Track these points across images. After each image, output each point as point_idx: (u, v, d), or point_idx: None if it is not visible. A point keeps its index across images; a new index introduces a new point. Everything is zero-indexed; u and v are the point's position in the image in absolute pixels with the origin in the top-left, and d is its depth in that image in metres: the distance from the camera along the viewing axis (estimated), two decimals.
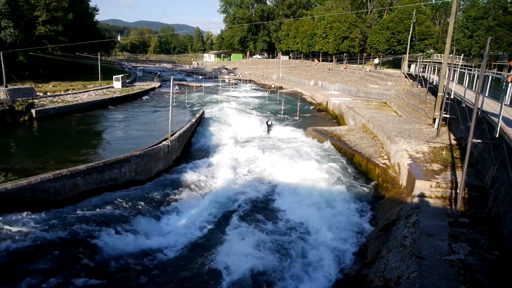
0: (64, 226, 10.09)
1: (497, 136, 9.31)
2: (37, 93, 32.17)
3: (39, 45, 41.73)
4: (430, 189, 11.24)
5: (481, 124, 12.30)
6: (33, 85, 34.04)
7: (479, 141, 11.02)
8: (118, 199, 12.49)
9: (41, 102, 28.86)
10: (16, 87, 29.75)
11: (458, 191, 10.42)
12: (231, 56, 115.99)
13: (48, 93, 34.28)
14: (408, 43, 41.97)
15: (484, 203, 10.19)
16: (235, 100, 41.23)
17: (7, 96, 26.65)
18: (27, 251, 8.91)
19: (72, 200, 11.92)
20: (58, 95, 33.70)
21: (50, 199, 11.33)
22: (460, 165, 12.79)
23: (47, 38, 43.47)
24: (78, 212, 11.17)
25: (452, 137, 17.13)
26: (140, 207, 12.39)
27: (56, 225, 10.04)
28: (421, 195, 11.10)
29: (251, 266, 9.53)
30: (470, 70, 18.20)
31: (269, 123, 28.23)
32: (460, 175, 10.68)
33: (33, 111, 25.90)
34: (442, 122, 17.78)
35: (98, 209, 11.55)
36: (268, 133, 26.77)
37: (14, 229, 9.47)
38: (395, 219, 10.75)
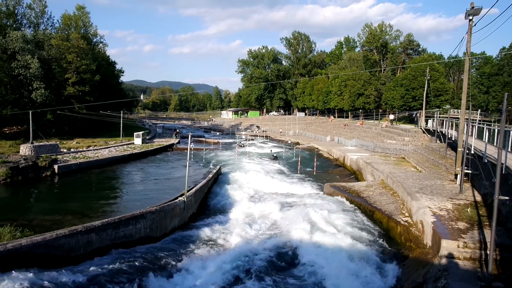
0: (74, 286, 9.80)
1: None
2: (61, 149, 33.30)
3: (67, 104, 44.13)
4: (457, 250, 10.58)
5: (507, 180, 11.84)
6: (58, 142, 35.38)
7: (507, 198, 10.50)
8: (131, 257, 12.21)
9: (64, 158, 29.74)
10: (41, 143, 30.95)
11: (488, 252, 9.75)
12: (248, 113, 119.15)
13: (71, 149, 35.45)
14: (424, 99, 42.39)
15: None
16: (251, 156, 41.52)
17: (32, 152, 27.69)
18: None
19: (85, 257, 11.69)
20: (80, 151, 34.76)
21: (64, 256, 11.14)
22: (488, 223, 12.13)
23: (75, 97, 46.10)
24: (89, 270, 10.91)
25: (476, 193, 16.48)
26: (153, 265, 12.04)
27: (67, 285, 9.77)
28: (449, 256, 10.43)
29: None
30: (489, 125, 17.98)
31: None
32: (489, 235, 10.07)
33: (55, 166, 26.61)
34: (465, 178, 17.24)
35: (110, 267, 11.26)
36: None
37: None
38: (421, 282, 10.03)
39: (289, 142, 59.03)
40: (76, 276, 10.31)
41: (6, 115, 39.49)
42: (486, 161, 14.23)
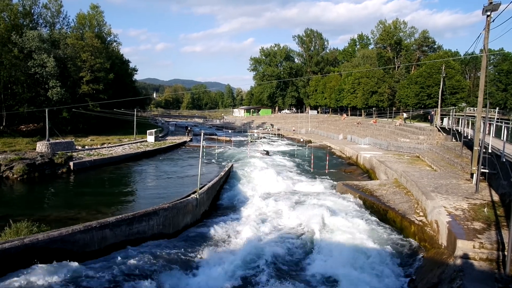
0: (88, 280, 9.96)
1: None
2: (76, 147, 33.84)
3: (82, 102, 44.86)
4: (473, 250, 10.37)
5: None
6: (73, 139, 35.96)
7: None
8: (145, 253, 12.34)
9: (79, 155, 30.23)
10: (57, 141, 31.52)
11: (506, 253, 9.54)
12: (260, 111, 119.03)
13: (86, 147, 36.00)
14: (439, 97, 41.64)
15: None
16: (263, 154, 41.46)
17: (48, 149, 28.23)
18: None
19: (99, 252, 11.87)
20: (95, 149, 35.28)
21: (79, 251, 11.33)
22: (505, 224, 11.86)
23: (89, 96, 46.81)
24: (104, 265, 11.07)
25: (493, 193, 16.13)
26: (166, 261, 12.14)
27: (82, 280, 9.93)
28: (464, 257, 10.24)
29: None
30: (508, 123, 17.55)
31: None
32: (507, 235, 9.85)
33: (71, 163, 27.05)
34: (481, 177, 16.89)
35: (124, 263, 11.40)
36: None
37: (40, 282, 9.41)
38: (436, 282, 9.87)
39: (302, 140, 58.80)
40: (91, 271, 10.47)
41: (22, 113, 40.39)
42: (504, 160, 13.92)
